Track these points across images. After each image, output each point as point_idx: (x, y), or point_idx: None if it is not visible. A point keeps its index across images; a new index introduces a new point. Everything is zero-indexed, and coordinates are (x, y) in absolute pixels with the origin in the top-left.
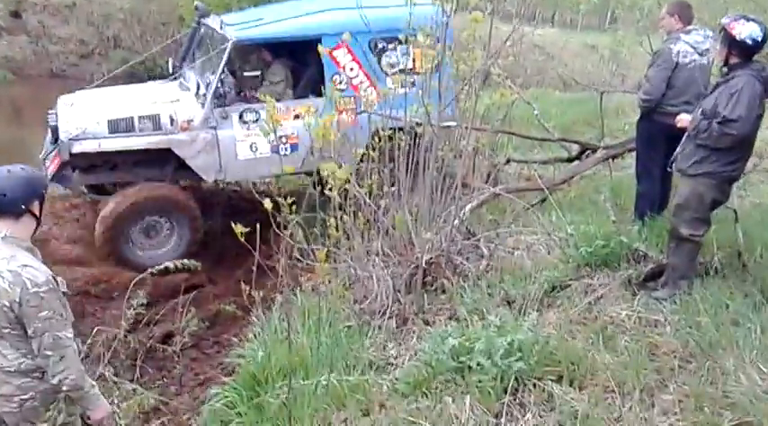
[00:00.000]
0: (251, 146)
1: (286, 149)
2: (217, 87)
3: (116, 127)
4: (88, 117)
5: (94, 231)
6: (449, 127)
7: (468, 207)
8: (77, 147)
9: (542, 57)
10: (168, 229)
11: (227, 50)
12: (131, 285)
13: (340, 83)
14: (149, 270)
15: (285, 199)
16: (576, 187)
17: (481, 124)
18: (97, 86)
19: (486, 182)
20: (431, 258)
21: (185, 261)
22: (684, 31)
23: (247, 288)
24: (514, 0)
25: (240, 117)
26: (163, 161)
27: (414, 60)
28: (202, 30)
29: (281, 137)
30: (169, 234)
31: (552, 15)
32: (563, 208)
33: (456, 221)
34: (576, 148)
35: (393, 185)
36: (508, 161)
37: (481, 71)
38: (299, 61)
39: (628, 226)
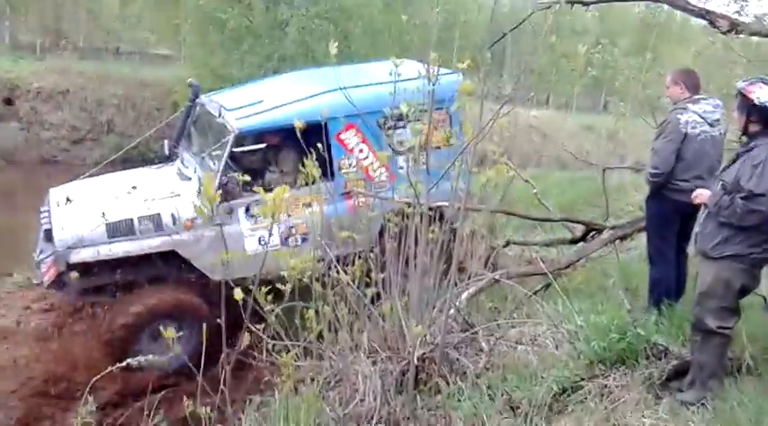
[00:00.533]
0: (260, 240)
1: (296, 240)
2: (221, 182)
3: (115, 231)
4: (84, 221)
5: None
6: (439, 207)
7: (465, 295)
8: (75, 257)
9: (538, 138)
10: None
11: (230, 143)
12: (92, 381)
13: (349, 166)
14: (112, 367)
15: (268, 285)
16: (582, 271)
17: (478, 204)
18: (90, 176)
19: (485, 267)
20: (424, 353)
21: (151, 357)
22: (692, 100)
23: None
24: (508, 82)
25: (247, 210)
26: (167, 259)
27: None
28: (198, 108)
29: (290, 227)
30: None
31: (547, 98)
32: (570, 295)
33: (451, 311)
34: (580, 229)
35: (383, 270)
36: (507, 243)
37: (473, 148)
38: (307, 144)
39: (644, 316)
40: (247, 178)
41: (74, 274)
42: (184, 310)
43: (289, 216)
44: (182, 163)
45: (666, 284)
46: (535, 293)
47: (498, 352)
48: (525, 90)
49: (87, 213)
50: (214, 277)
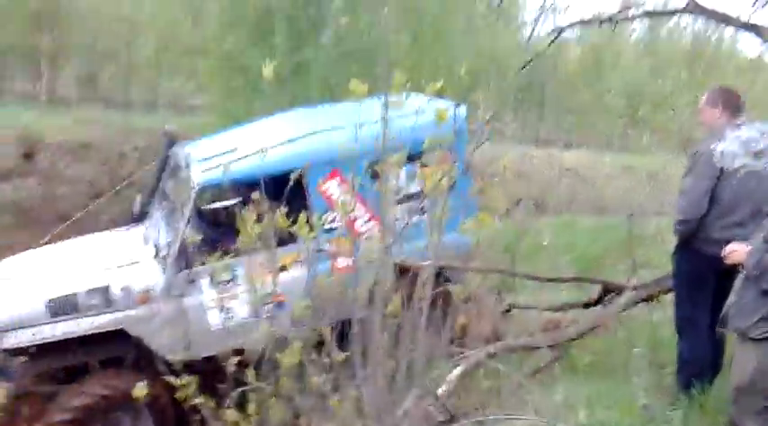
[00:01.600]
0: (225, 312)
1: (269, 311)
2: (182, 246)
3: (57, 309)
4: (20, 299)
5: None
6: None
7: (453, 374)
8: (9, 341)
9: (575, 181)
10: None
11: (191, 199)
12: None
13: (332, 221)
14: None
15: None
16: (603, 338)
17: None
18: (48, 242)
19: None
20: None
21: None
22: (731, 126)
23: None
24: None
25: (211, 278)
26: (122, 337)
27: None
28: (173, 160)
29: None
30: None
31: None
32: (579, 376)
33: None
34: (598, 289)
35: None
36: (509, 309)
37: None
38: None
39: (666, 411)
40: (197, 238)
41: (17, 360)
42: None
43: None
44: (151, 223)
45: (698, 362)
46: (536, 373)
47: None
48: (564, 131)
49: (28, 289)
50: (173, 357)
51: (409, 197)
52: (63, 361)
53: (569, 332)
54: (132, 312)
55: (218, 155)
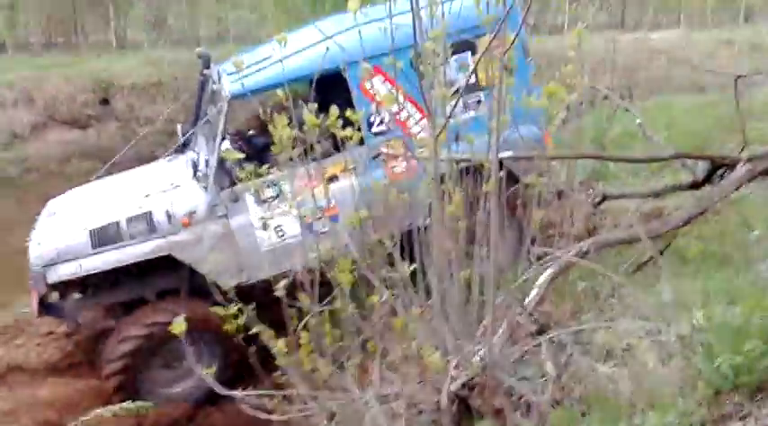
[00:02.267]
0: (276, 231)
1: (324, 225)
2: (220, 162)
3: (100, 238)
4: (63, 231)
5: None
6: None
7: (535, 291)
8: (53, 276)
9: (665, 62)
10: (194, 354)
11: (223, 111)
12: None
13: (380, 124)
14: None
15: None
16: (714, 223)
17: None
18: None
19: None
20: (466, 381)
21: (126, 405)
22: None
23: None
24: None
25: (256, 195)
26: (174, 265)
27: (476, 72)
28: (211, 83)
29: (312, 212)
30: (196, 359)
31: (678, 16)
32: (690, 270)
33: (517, 313)
34: (704, 168)
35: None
36: (603, 199)
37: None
38: (326, 102)
39: None
40: (238, 155)
41: (54, 295)
42: (198, 326)
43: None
44: (194, 149)
45: None
46: (638, 270)
47: (576, 372)
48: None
49: (70, 222)
50: (225, 283)
51: (462, 90)
52: (115, 296)
53: (674, 219)
54: (177, 237)
55: (251, 64)
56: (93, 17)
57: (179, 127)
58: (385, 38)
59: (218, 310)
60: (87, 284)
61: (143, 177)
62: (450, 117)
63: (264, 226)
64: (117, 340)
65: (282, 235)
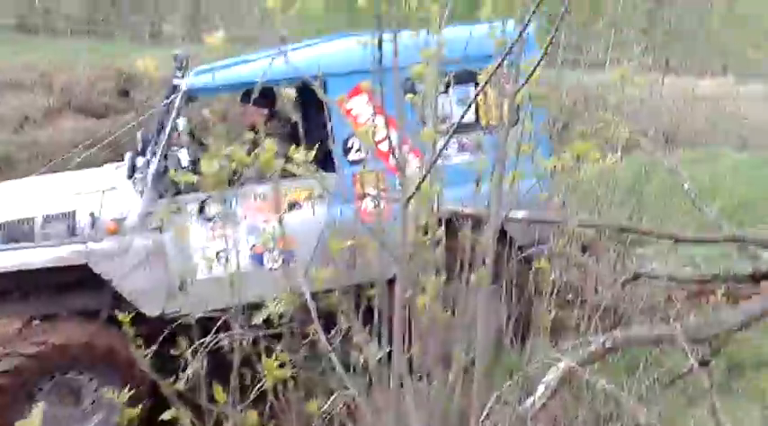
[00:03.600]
0: (218, 257)
1: (275, 259)
2: (162, 164)
3: (8, 234)
4: None
5: None
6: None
7: (541, 389)
8: None
9: (709, 111)
10: (96, 392)
11: (176, 106)
12: None
13: (358, 150)
14: None
15: None
16: None
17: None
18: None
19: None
20: None
21: None
22: None
23: None
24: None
25: (201, 210)
26: (98, 283)
27: (477, 108)
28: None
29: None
30: (98, 400)
31: (724, 66)
32: (743, 382)
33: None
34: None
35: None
36: (635, 277)
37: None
38: (304, 116)
39: None
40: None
41: None
42: (99, 357)
43: (265, 221)
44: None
45: None
46: (675, 381)
47: None
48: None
49: None
50: (149, 311)
51: (459, 128)
52: (22, 309)
53: (728, 317)
54: (99, 245)
55: (225, 66)
56: (132, 8)
57: (138, 133)
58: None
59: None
60: None
61: (87, 177)
62: (434, 162)
63: (211, 251)
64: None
65: (225, 263)
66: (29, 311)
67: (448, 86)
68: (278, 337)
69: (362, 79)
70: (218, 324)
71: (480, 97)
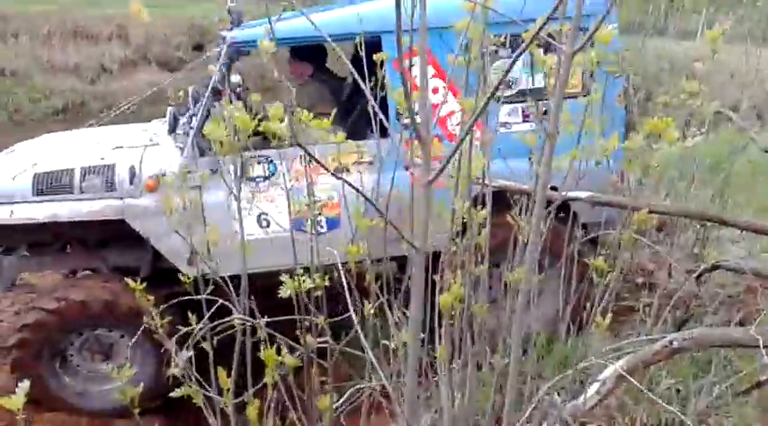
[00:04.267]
0: (258, 220)
1: (319, 225)
2: (203, 120)
3: (44, 185)
4: (5, 170)
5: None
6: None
7: (595, 387)
8: None
9: None
10: (128, 348)
11: (221, 61)
12: None
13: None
14: None
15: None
16: None
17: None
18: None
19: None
20: None
21: None
22: None
23: None
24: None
25: (242, 170)
26: (139, 240)
27: (546, 74)
28: None
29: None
30: (132, 356)
31: None
32: None
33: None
34: None
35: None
36: (713, 268)
37: None
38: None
39: None
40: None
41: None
42: (123, 316)
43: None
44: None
45: None
46: (753, 389)
47: None
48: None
49: (20, 163)
50: (185, 269)
51: (525, 93)
52: (61, 264)
53: None
54: (137, 201)
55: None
56: None
57: (189, 89)
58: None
59: (143, 301)
60: (34, 244)
61: (131, 132)
62: (467, 133)
63: (252, 213)
64: (25, 308)
65: (266, 226)
66: (68, 265)
67: (513, 49)
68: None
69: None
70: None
71: (547, 61)
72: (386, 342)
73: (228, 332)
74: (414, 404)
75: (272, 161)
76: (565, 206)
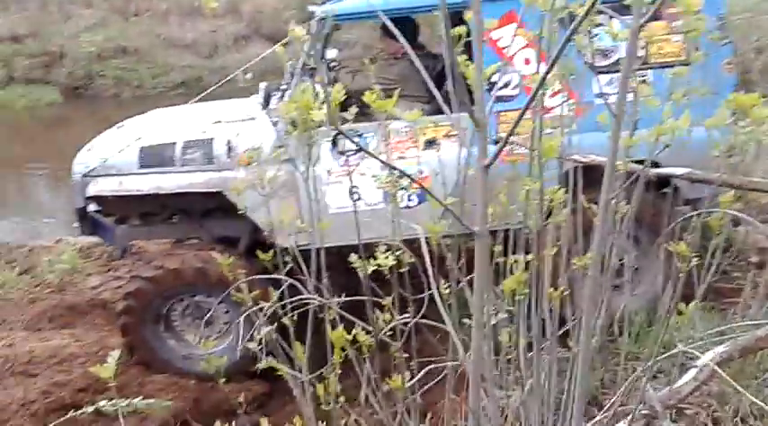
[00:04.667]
0: (351, 192)
1: (410, 198)
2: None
3: (150, 158)
4: (116, 143)
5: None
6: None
7: (692, 373)
8: (93, 188)
9: None
10: (226, 316)
11: (314, 33)
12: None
13: (504, 86)
14: None
15: None
16: None
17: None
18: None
19: None
20: None
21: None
22: None
23: None
24: None
25: (334, 144)
26: (238, 212)
27: (647, 44)
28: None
29: (401, 177)
30: (228, 323)
31: None
32: None
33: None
34: None
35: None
36: None
37: None
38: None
39: None
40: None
41: (91, 207)
42: (214, 283)
43: (401, 158)
44: None
45: None
46: None
47: None
48: None
49: (128, 137)
50: (280, 241)
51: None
52: (167, 233)
53: None
54: (233, 173)
55: None
56: None
57: (288, 64)
58: None
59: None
60: (144, 214)
61: (232, 106)
62: (528, 106)
63: (345, 186)
64: (132, 278)
65: (357, 199)
66: (175, 234)
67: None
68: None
69: (513, 6)
70: None
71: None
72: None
73: (303, 309)
74: (477, 387)
75: (362, 135)
76: (665, 180)
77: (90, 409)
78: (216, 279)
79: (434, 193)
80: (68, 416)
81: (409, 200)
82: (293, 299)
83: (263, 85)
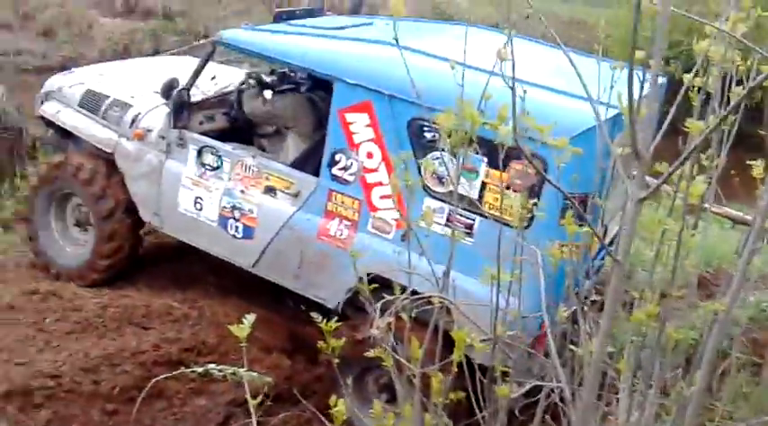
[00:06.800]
0: (195, 200)
1: (236, 229)
2: (181, 98)
3: (87, 102)
4: (78, 77)
5: None
6: None
7: None
8: (41, 107)
9: None
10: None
11: (206, 52)
12: None
13: (343, 168)
14: None
15: None
16: None
17: None
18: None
19: None
20: None
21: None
22: None
23: None
24: None
25: (198, 154)
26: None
27: (483, 184)
28: None
29: (233, 208)
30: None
31: None
32: None
33: None
34: None
35: None
36: None
37: None
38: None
39: None
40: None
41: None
42: (84, 178)
43: (242, 192)
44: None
45: None
46: None
47: None
48: None
49: (91, 75)
50: (143, 216)
51: (461, 199)
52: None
53: None
54: (125, 143)
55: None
56: None
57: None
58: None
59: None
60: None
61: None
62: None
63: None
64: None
65: (199, 209)
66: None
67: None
68: None
69: (371, 98)
70: None
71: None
72: (573, 348)
73: (425, 308)
74: (588, 414)
75: (220, 156)
76: None
77: (200, 370)
78: (82, 182)
79: (257, 238)
80: (178, 372)
81: (236, 231)
82: (422, 296)
83: (167, 79)
